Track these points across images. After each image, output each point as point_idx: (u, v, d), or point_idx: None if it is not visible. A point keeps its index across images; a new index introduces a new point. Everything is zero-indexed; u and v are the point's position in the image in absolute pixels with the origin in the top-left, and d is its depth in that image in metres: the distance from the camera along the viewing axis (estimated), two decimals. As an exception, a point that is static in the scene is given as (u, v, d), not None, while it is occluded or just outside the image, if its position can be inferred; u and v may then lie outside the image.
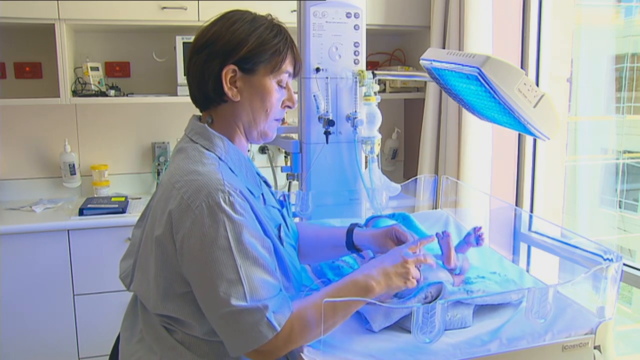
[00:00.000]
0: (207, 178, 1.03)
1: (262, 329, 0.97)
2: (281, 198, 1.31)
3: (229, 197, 1.01)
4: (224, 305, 0.98)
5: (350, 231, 1.32)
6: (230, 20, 1.13)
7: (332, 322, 1.03)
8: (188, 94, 1.19)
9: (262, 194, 1.19)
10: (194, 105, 1.21)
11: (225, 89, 1.11)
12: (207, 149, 1.11)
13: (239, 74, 1.12)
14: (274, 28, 1.14)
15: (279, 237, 1.16)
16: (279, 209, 1.26)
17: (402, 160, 3.39)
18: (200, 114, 1.21)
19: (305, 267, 1.46)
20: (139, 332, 1.15)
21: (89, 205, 2.53)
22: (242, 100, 1.14)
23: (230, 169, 1.12)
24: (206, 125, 1.15)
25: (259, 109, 1.15)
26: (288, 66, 1.17)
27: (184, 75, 1.18)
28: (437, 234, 1.30)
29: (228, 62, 1.10)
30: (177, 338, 1.09)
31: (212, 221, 0.99)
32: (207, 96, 1.14)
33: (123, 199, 2.68)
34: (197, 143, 1.13)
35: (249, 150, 3.01)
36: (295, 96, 1.21)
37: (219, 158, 1.11)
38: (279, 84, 1.16)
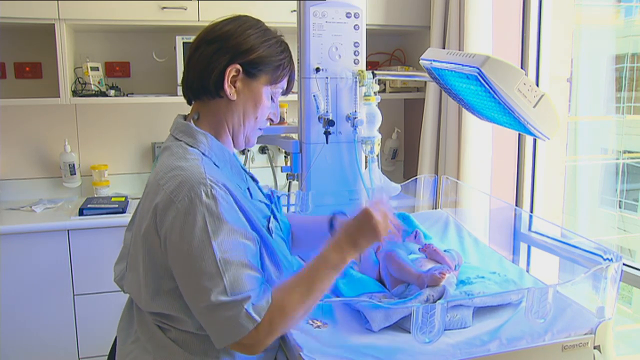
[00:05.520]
0: (190, 172, 1.05)
1: (242, 321, 0.98)
2: (269, 193, 1.32)
3: (211, 190, 1.03)
4: (204, 300, 0.99)
5: (331, 220, 1.34)
6: (246, 24, 1.17)
7: (311, 304, 1.05)
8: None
9: (248, 188, 1.20)
10: (189, 105, 1.24)
11: (226, 85, 1.14)
12: (190, 146, 1.13)
13: (241, 75, 1.15)
14: (282, 45, 1.20)
15: (268, 229, 1.17)
16: (267, 204, 1.27)
17: (402, 160, 3.38)
18: (185, 114, 1.23)
19: (301, 264, 1.46)
20: (134, 333, 1.16)
21: (89, 205, 2.53)
22: (237, 100, 1.17)
23: (215, 164, 1.14)
24: (190, 122, 1.17)
25: (250, 114, 1.19)
26: (284, 82, 1.23)
27: (184, 63, 1.20)
28: (420, 249, 1.32)
29: (235, 61, 1.14)
30: (170, 337, 1.10)
31: (192, 215, 1.01)
32: (205, 87, 1.16)
33: (123, 199, 2.68)
34: (180, 141, 1.15)
35: (248, 151, 3.04)
36: (279, 112, 1.27)
37: (203, 154, 1.13)
38: (272, 96, 1.22)
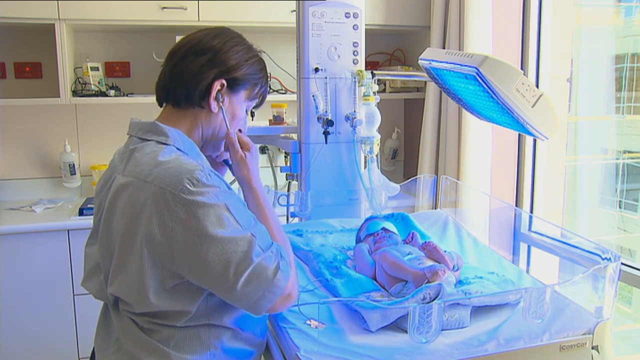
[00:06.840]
0: (180, 163, 1.04)
1: (282, 266, 1.05)
2: None
3: (209, 174, 1.04)
4: (245, 264, 1.01)
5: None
6: (232, 40, 1.19)
7: (279, 226, 1.20)
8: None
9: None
10: (160, 107, 1.25)
11: (211, 99, 1.16)
12: (164, 143, 1.12)
13: (225, 89, 1.18)
14: (261, 63, 1.24)
15: None
16: None
17: (402, 160, 3.39)
18: (138, 119, 1.22)
19: (303, 267, 1.46)
20: (115, 342, 1.13)
21: (89, 205, 2.53)
22: (217, 112, 1.19)
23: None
24: (155, 121, 1.16)
25: (225, 126, 1.22)
26: (259, 99, 1.27)
27: (167, 69, 1.19)
28: (420, 247, 1.32)
29: (222, 77, 1.16)
30: (157, 339, 1.08)
31: (204, 196, 1.01)
32: (189, 97, 1.16)
33: (123, 199, 2.68)
34: (150, 140, 1.13)
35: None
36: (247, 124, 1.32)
37: (178, 149, 1.12)
38: (246, 109, 1.26)
